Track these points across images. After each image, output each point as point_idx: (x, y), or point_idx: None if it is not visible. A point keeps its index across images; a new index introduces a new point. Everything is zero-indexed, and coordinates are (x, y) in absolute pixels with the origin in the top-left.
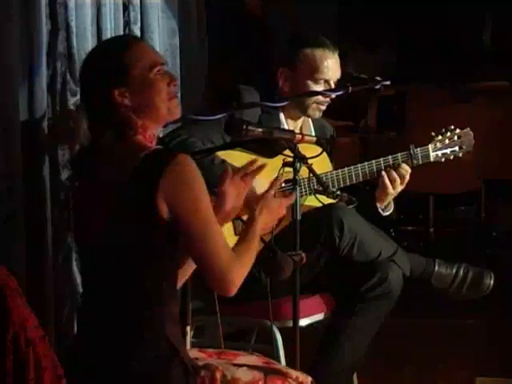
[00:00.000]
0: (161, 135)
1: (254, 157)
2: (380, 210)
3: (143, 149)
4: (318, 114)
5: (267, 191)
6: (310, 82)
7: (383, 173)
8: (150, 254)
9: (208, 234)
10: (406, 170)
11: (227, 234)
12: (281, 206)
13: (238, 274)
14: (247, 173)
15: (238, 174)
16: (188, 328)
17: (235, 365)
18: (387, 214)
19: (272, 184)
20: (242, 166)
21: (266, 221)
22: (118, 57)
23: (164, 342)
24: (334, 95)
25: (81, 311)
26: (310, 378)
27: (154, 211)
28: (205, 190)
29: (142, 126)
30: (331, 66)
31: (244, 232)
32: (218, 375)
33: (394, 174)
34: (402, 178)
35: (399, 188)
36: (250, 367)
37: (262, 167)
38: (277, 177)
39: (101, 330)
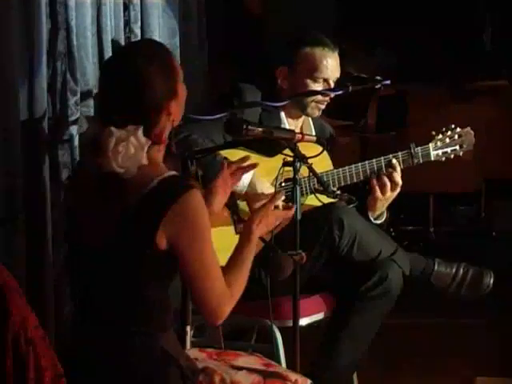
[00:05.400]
0: None
1: (255, 156)
2: (371, 218)
3: (156, 173)
4: (317, 113)
5: (267, 204)
6: (309, 81)
7: (372, 178)
8: (147, 272)
9: (204, 271)
10: (398, 172)
11: (227, 233)
12: (278, 219)
13: (228, 306)
14: (238, 168)
15: (228, 170)
16: (188, 328)
17: (234, 367)
18: (379, 222)
19: (273, 197)
20: (234, 161)
21: (262, 233)
22: (170, 69)
23: (159, 351)
24: (333, 94)
25: (78, 310)
26: (309, 381)
27: (152, 242)
28: (208, 227)
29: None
30: (330, 65)
31: (240, 244)
32: (217, 379)
33: (385, 178)
34: (393, 182)
35: (389, 194)
36: (249, 370)
37: (254, 165)
38: (279, 191)
39: (96, 333)
